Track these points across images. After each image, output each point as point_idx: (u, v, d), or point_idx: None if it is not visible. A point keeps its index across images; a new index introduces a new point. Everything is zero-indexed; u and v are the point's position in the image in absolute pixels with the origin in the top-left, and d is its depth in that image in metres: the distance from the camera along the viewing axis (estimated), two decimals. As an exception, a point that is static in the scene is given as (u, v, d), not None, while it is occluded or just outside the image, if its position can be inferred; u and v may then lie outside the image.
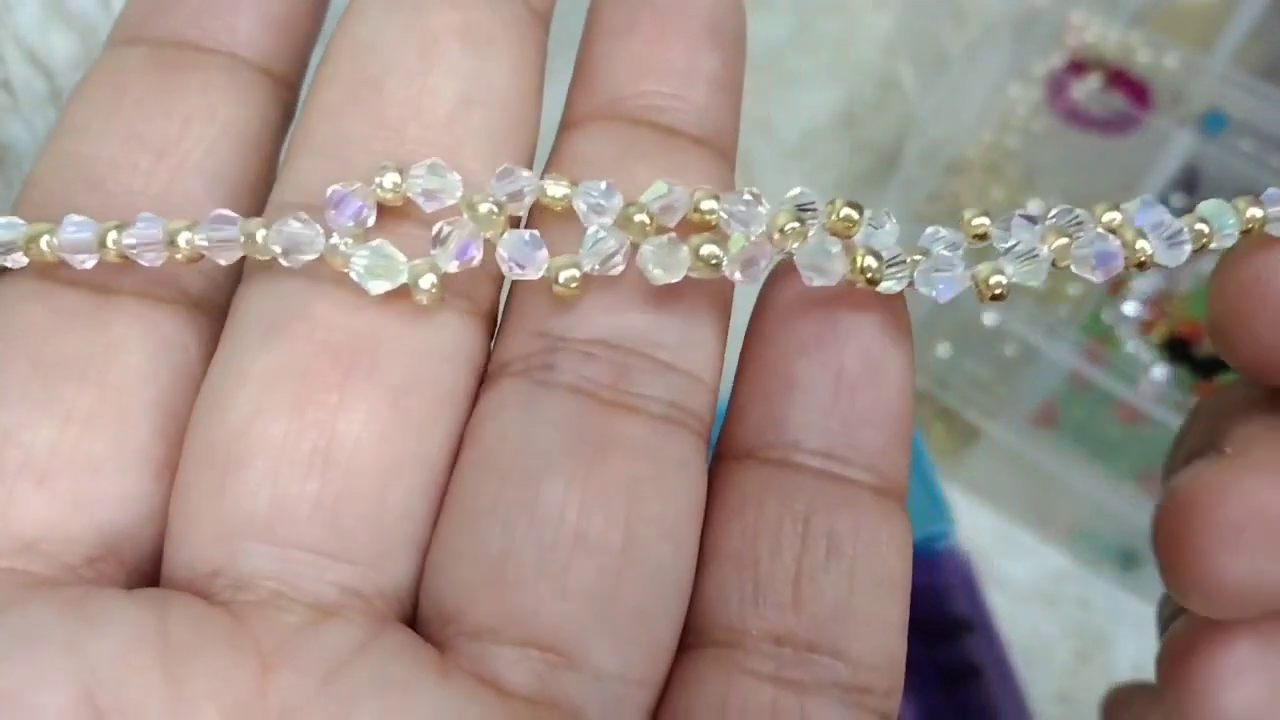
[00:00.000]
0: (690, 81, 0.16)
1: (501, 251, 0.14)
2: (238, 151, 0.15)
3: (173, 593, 0.13)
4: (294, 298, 0.14)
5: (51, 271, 0.14)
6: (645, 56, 0.16)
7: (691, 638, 0.14)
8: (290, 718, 0.12)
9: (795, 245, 0.14)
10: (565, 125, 0.16)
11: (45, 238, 0.14)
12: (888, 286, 0.14)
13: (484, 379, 0.15)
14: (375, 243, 0.14)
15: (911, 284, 0.14)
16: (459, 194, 0.14)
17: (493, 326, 0.15)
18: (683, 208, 0.14)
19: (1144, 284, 0.37)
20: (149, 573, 0.14)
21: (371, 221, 0.14)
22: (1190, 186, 0.38)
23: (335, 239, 0.14)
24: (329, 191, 0.14)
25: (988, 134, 0.39)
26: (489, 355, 0.15)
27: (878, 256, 0.14)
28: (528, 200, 0.15)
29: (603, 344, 0.14)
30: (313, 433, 0.13)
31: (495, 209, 0.14)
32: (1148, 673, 0.16)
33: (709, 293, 0.15)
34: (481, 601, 0.13)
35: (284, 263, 0.14)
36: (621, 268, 0.14)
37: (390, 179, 0.14)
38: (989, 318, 0.34)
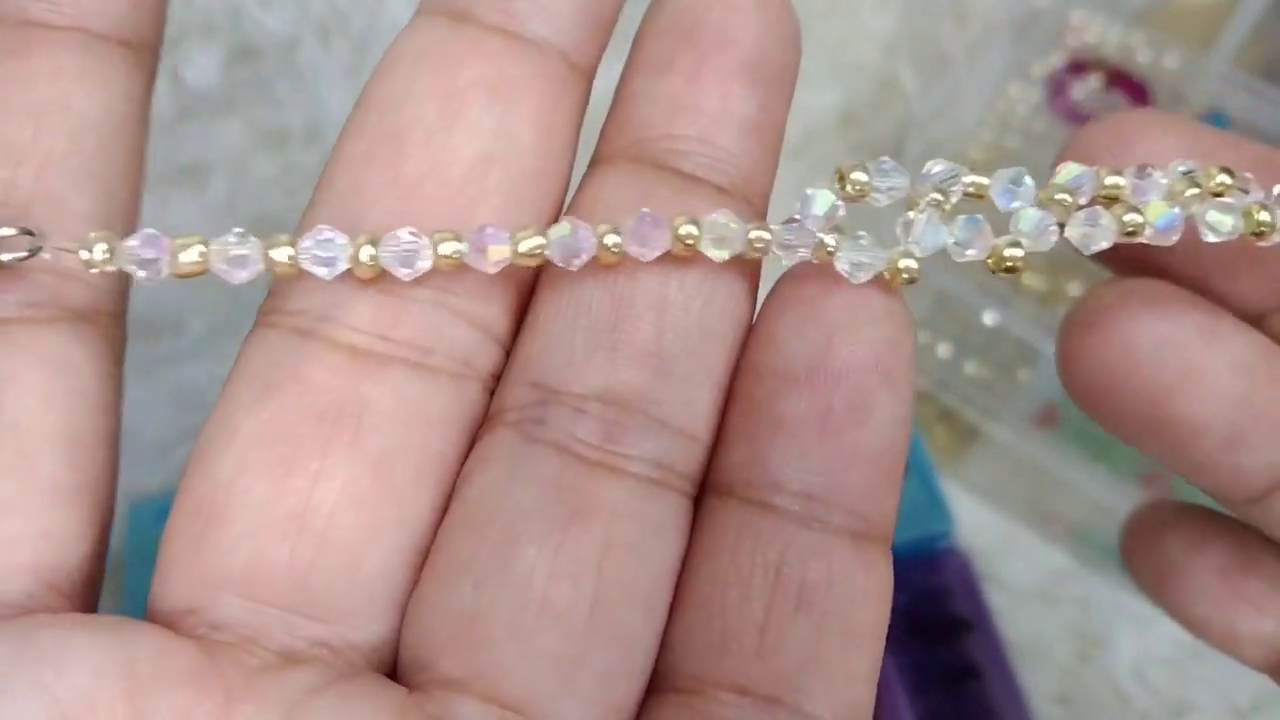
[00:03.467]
0: (720, 125, 0.15)
1: (951, 236, 0.14)
2: (103, 142, 0.14)
3: (138, 623, 0.13)
4: (290, 356, 0.14)
5: None
6: (678, 96, 0.15)
7: (657, 681, 0.14)
8: None
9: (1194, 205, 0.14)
10: (594, 161, 0.16)
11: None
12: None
13: (481, 423, 0.15)
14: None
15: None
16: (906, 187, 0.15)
17: (492, 388, 0.15)
18: (1091, 188, 0.14)
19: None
20: (90, 596, 0.14)
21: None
22: (1190, 186, 0.37)
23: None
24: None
25: (988, 134, 0.39)
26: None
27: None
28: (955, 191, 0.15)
29: (596, 399, 0.14)
30: (291, 498, 0.14)
31: (940, 196, 0.15)
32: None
33: (708, 348, 0.15)
34: (451, 655, 0.14)
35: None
36: (1055, 239, 0.14)
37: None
38: (989, 317, 0.34)
